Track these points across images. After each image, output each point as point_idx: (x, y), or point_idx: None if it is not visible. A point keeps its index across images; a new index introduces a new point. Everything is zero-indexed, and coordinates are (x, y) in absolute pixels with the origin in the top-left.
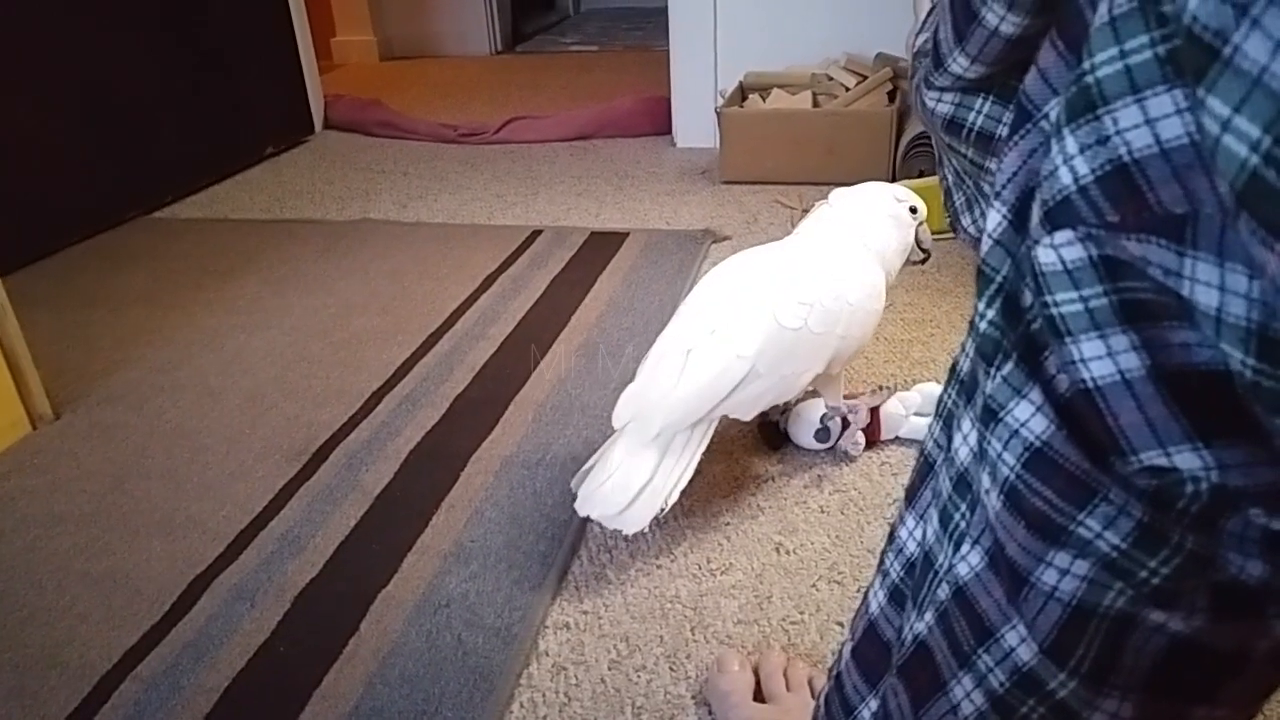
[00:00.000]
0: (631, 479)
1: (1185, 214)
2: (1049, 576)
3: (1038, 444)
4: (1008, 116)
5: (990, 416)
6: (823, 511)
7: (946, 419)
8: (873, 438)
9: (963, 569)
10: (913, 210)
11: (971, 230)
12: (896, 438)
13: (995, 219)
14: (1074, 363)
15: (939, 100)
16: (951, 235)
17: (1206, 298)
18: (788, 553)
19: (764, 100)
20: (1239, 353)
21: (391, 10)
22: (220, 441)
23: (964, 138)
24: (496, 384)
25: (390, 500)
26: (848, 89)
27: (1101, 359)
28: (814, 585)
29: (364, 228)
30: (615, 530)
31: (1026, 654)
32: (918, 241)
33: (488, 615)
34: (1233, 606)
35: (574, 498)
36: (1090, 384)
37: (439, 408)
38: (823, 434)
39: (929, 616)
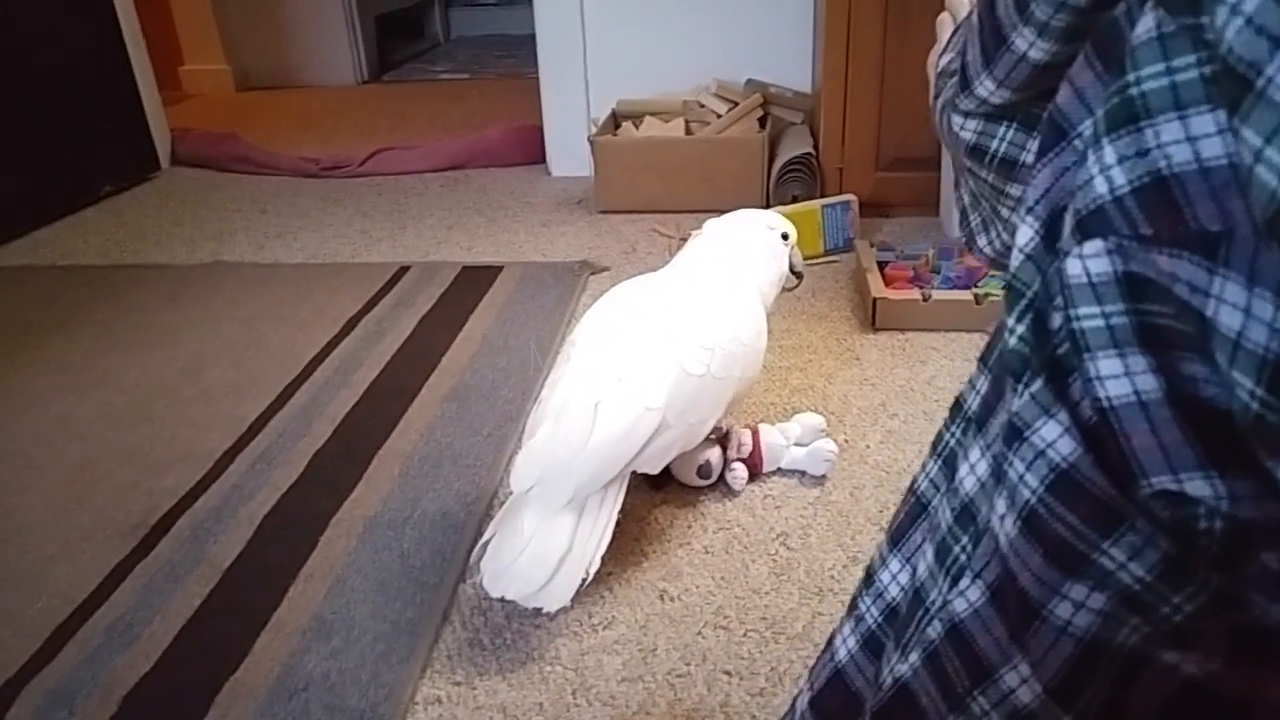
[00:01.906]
0: (548, 551)
1: (1220, 232)
2: (1063, 610)
3: (1064, 466)
4: (1031, 143)
5: (1015, 435)
6: (707, 552)
7: (948, 458)
8: (754, 470)
9: (960, 605)
10: (784, 236)
11: (987, 250)
12: (778, 469)
13: (1027, 234)
14: (1091, 380)
15: (963, 126)
16: (822, 259)
17: (1229, 320)
18: (672, 600)
19: (637, 128)
20: (1249, 382)
21: (247, 38)
22: (39, 520)
23: (986, 163)
24: (359, 437)
25: (241, 573)
26: (719, 116)
27: (1118, 378)
28: (699, 633)
29: (216, 271)
30: (536, 609)
31: (1027, 696)
32: (790, 266)
33: (351, 696)
34: (1250, 651)
35: (476, 573)
36: (1105, 403)
37: (296, 466)
38: (705, 470)
39: (914, 657)
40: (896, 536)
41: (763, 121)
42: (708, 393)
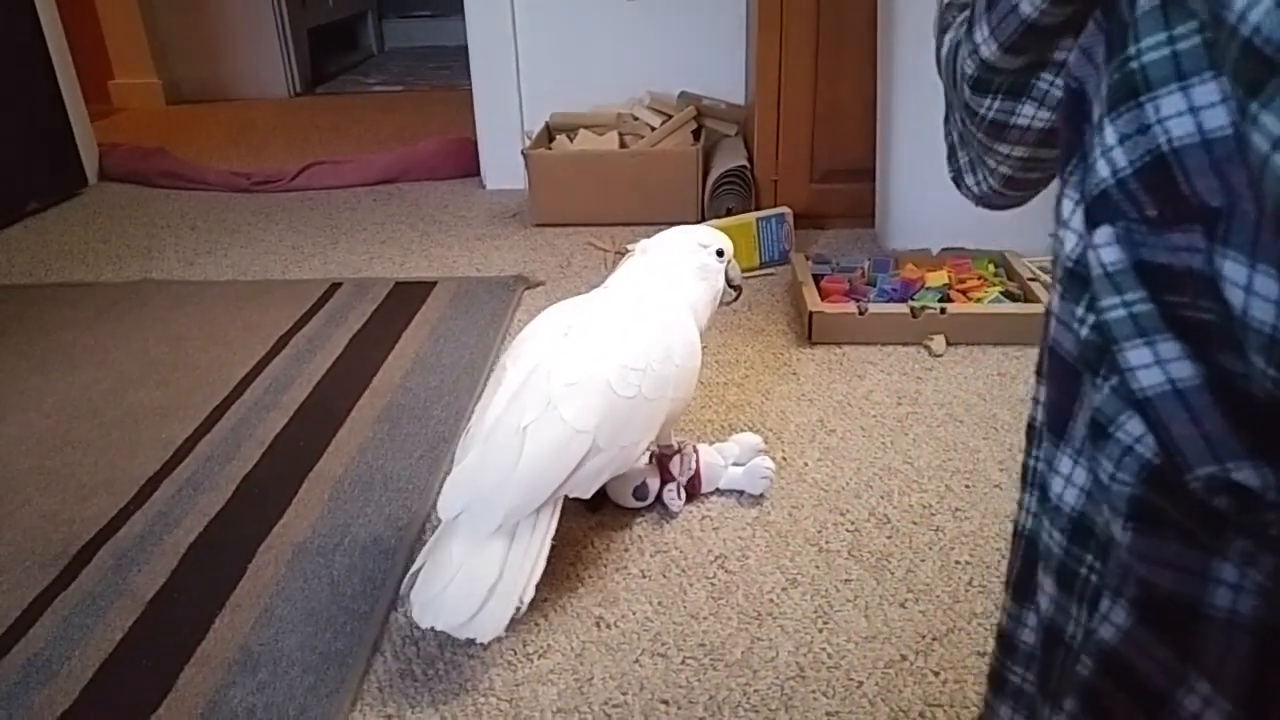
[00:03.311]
0: (478, 579)
1: (1220, 208)
2: (1221, 597)
3: (1156, 461)
4: (1021, 108)
5: (1099, 433)
6: (644, 576)
7: (1040, 484)
8: (693, 491)
9: (1107, 632)
10: (719, 253)
11: (975, 189)
12: (716, 490)
13: (1083, 220)
14: (1124, 372)
15: (958, 71)
16: (758, 273)
17: (1232, 298)
18: (609, 626)
19: (571, 141)
20: (1261, 361)
21: (177, 50)
22: None
23: (977, 123)
24: (289, 459)
25: (166, 604)
26: (653, 128)
27: (1149, 368)
28: (637, 660)
29: (144, 289)
30: (468, 639)
31: (1216, 718)
32: (728, 280)
33: None
34: None
35: (404, 602)
36: (1140, 395)
37: (224, 491)
38: (642, 491)
39: (1070, 705)
40: (1021, 588)
41: (697, 134)
42: (640, 415)
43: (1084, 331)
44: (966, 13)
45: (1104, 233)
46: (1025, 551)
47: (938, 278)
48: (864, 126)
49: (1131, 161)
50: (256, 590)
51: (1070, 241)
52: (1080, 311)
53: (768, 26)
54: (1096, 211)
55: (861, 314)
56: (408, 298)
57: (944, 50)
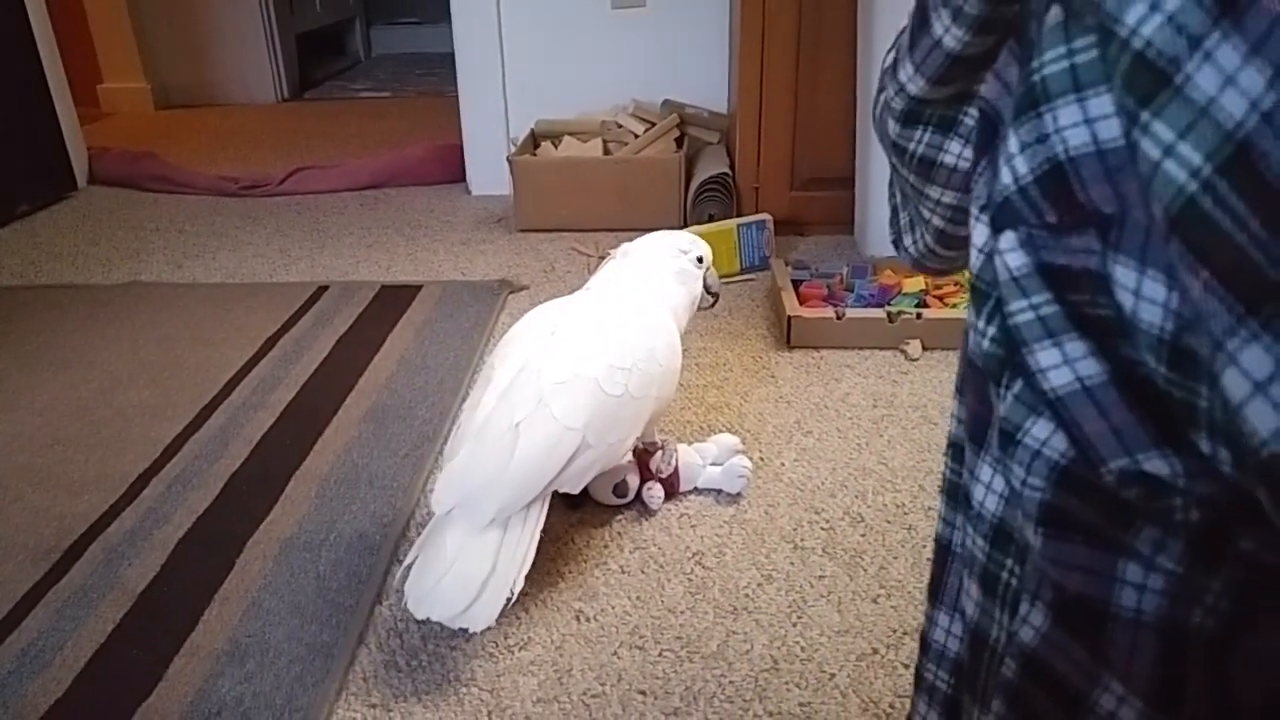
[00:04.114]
0: (472, 571)
1: (1111, 215)
2: (1127, 598)
3: (1064, 462)
4: (949, 144)
5: (1007, 440)
6: (623, 571)
7: (949, 491)
8: (671, 490)
9: (1026, 634)
10: (699, 260)
11: (911, 250)
12: (695, 488)
13: (983, 233)
14: (1034, 374)
15: (888, 116)
16: (738, 278)
17: (1123, 301)
18: (588, 620)
19: (556, 148)
20: (1151, 360)
21: (166, 55)
22: None
23: (906, 161)
24: (276, 458)
25: (156, 597)
26: (637, 136)
27: (1059, 368)
28: (615, 653)
29: (133, 291)
30: (461, 629)
31: (1131, 715)
32: (706, 286)
33: None
34: None
35: (398, 595)
36: (1052, 395)
37: (212, 488)
38: (622, 489)
39: (997, 705)
40: (933, 590)
41: (679, 141)
42: (626, 413)
43: (985, 344)
44: (893, 54)
45: (1008, 238)
46: (937, 555)
47: (914, 284)
48: (844, 135)
49: (1032, 169)
50: (244, 584)
51: (971, 255)
52: (981, 324)
53: (749, 36)
54: (1001, 218)
55: (839, 319)
56: (394, 301)
57: (878, 108)
